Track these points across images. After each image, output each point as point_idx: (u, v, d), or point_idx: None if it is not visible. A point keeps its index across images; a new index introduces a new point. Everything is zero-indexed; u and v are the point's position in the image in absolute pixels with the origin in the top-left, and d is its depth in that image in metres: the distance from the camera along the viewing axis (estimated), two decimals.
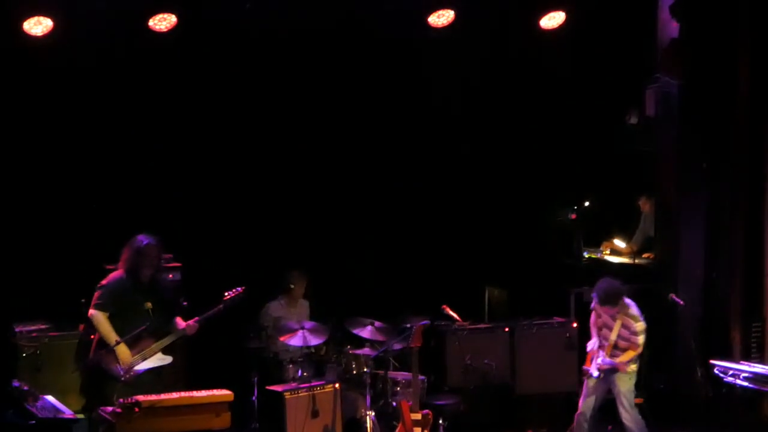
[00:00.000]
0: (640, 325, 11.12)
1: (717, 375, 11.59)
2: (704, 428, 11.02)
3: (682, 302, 11.47)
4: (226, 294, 10.65)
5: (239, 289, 10.73)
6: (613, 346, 11.15)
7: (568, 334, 12.56)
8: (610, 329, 11.19)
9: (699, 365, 11.32)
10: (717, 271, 13.17)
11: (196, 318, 10.55)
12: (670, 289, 11.87)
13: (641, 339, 11.10)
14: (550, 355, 12.77)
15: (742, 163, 13.09)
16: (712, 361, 11.68)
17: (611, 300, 11.06)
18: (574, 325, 12.21)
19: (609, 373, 11.17)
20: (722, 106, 12.97)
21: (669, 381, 13.09)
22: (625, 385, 11.17)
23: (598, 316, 11.32)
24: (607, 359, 11.09)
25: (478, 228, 14.19)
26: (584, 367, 11.32)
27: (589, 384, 11.27)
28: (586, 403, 11.29)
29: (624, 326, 11.14)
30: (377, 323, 11.89)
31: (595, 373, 11.14)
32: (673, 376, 13.04)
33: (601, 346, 11.21)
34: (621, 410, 11.19)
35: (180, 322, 10.53)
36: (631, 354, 11.11)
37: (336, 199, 13.66)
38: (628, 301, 11.21)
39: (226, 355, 12.34)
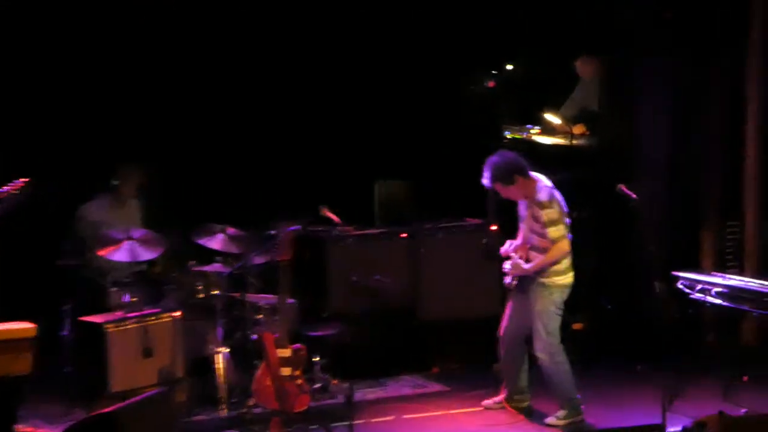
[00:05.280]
0: (548, 213, 9.84)
1: (682, 290, 10.76)
2: (664, 361, 9.92)
3: (635, 195, 10.20)
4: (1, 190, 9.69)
5: (20, 181, 9.60)
6: (530, 246, 10.02)
7: (485, 240, 11.45)
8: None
9: (658, 278, 10.41)
10: (685, 155, 12.61)
11: None
12: (620, 178, 10.57)
13: (552, 232, 9.81)
14: (462, 269, 11.84)
15: (722, 15, 12.35)
16: (675, 273, 10.82)
17: (502, 177, 9.88)
18: (494, 227, 11.28)
19: (527, 282, 10.04)
20: None
21: (619, 300, 12.48)
22: (542, 302, 9.95)
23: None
24: (520, 263, 9.99)
25: (365, 105, 12.99)
26: None
27: (511, 297, 10.28)
28: (507, 324, 10.23)
29: (533, 217, 9.98)
30: (230, 230, 10.85)
31: (507, 280, 10.15)
32: (625, 293, 12.43)
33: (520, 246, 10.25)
34: (534, 335, 10.08)
35: None
36: (547, 259, 9.86)
37: (184, 73, 12.45)
38: (540, 183, 10.01)
39: (34, 276, 11.49)
